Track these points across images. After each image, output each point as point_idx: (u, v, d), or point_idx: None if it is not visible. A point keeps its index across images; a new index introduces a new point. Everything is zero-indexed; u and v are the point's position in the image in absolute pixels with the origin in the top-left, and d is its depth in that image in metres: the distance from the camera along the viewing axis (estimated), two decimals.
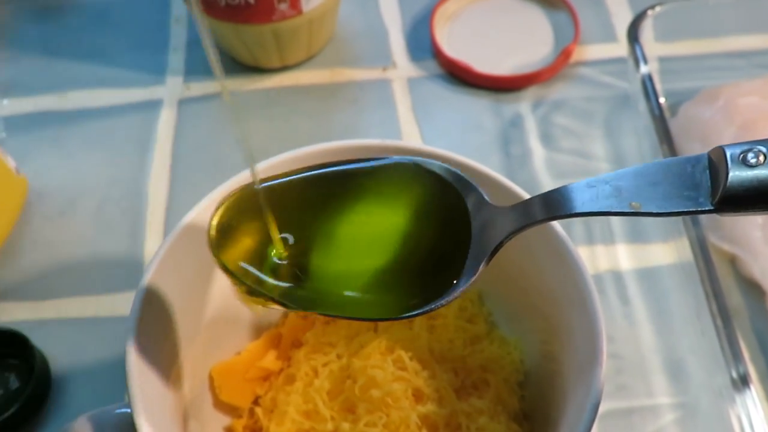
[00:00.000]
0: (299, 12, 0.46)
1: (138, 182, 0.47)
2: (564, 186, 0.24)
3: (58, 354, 0.40)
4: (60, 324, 0.41)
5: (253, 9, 0.41)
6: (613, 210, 0.22)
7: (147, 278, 0.29)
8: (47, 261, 0.44)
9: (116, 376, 0.40)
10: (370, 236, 0.25)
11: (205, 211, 0.31)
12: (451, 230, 0.25)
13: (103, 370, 0.40)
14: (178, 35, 0.54)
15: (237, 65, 0.52)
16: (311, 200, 0.26)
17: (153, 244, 0.44)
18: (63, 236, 0.45)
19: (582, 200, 0.23)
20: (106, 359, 0.40)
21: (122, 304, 0.42)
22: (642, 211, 0.22)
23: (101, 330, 0.41)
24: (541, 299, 0.32)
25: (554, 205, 0.23)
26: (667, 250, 0.43)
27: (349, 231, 0.26)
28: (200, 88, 0.51)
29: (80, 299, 0.42)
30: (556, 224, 0.29)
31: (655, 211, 0.22)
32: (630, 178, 0.22)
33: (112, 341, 0.41)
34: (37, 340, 0.39)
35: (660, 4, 0.45)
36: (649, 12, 0.44)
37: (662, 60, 0.48)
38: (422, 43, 0.53)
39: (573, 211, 0.23)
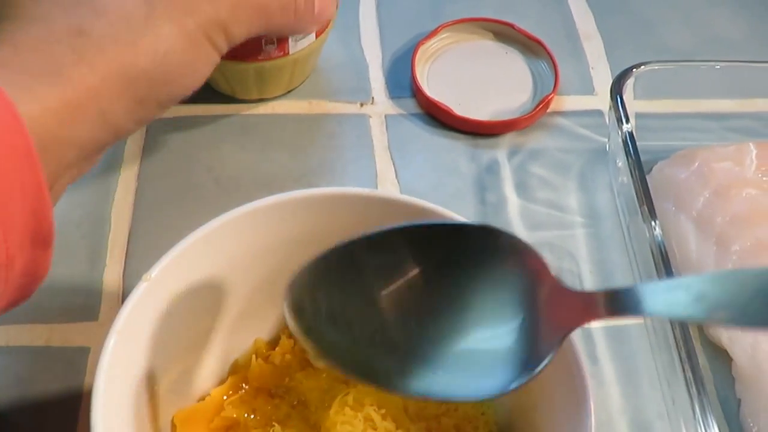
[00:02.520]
0: (285, 54, 0.45)
1: (100, 205, 0.45)
2: (639, 285, 0.23)
3: (5, 385, 0.38)
4: (7, 352, 0.39)
5: (239, 48, 0.39)
6: (693, 317, 0.21)
7: (119, 324, 0.27)
8: None
9: (67, 410, 0.38)
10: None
11: (178, 258, 0.30)
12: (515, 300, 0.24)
13: (53, 404, 0.38)
14: None
15: (212, 90, 0.50)
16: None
17: (113, 271, 0.42)
18: None
19: (655, 303, 0.22)
20: (56, 393, 0.38)
21: (76, 334, 0.40)
22: (725, 321, 0.21)
23: (52, 361, 0.39)
24: None
25: (625, 304, 0.23)
26: None
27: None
28: (172, 109, 0.49)
29: (31, 327, 0.40)
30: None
31: (742, 323, 0.21)
32: (716, 284, 0.21)
33: (64, 374, 0.39)
34: None
35: (645, 64, 0.45)
36: (634, 70, 0.45)
37: (638, 116, 0.48)
38: (402, 80, 0.52)
39: (643, 313, 0.22)
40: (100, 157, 0.34)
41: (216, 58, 0.34)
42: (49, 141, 0.27)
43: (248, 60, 0.45)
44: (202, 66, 0.34)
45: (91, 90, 0.29)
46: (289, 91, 0.51)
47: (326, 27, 0.47)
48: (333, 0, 0.42)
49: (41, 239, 0.27)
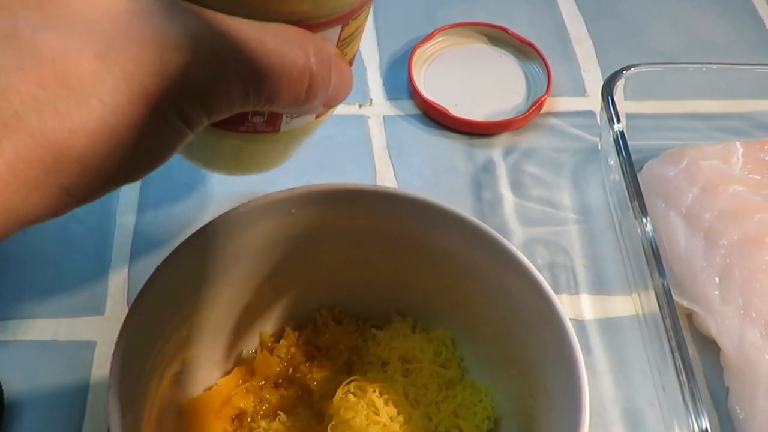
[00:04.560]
0: (275, 130, 0.31)
1: (106, 202, 0.46)
2: None
3: (13, 378, 0.39)
4: (16, 346, 0.40)
5: None
6: None
7: (132, 313, 0.28)
8: (5, 279, 0.42)
9: (74, 403, 0.38)
10: None
11: (188, 248, 0.31)
12: None
13: (60, 397, 0.39)
14: None
15: None
16: None
17: (118, 266, 0.43)
18: (24, 253, 0.43)
19: None
20: (63, 385, 0.39)
21: (83, 328, 0.41)
22: None
23: (60, 355, 0.40)
24: (518, 350, 0.33)
25: None
26: (629, 302, 0.44)
27: None
28: None
29: (39, 321, 0.41)
30: (545, 283, 0.30)
31: None
32: None
33: (71, 367, 0.40)
34: None
35: (634, 66, 0.47)
36: (624, 72, 0.46)
37: (628, 117, 0.50)
38: (399, 82, 0.54)
39: None
40: None
41: (185, 137, 0.23)
42: None
43: (225, 127, 0.30)
44: (162, 147, 0.23)
45: None
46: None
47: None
48: (350, 79, 0.28)
49: None
